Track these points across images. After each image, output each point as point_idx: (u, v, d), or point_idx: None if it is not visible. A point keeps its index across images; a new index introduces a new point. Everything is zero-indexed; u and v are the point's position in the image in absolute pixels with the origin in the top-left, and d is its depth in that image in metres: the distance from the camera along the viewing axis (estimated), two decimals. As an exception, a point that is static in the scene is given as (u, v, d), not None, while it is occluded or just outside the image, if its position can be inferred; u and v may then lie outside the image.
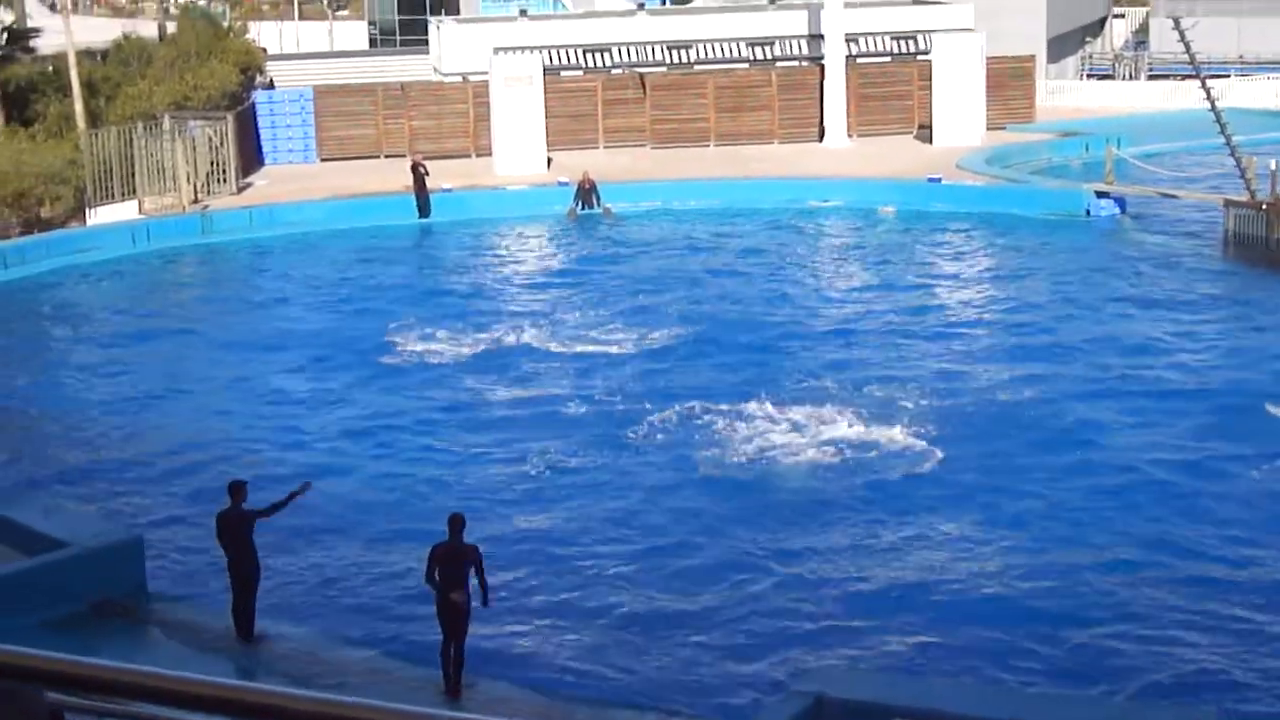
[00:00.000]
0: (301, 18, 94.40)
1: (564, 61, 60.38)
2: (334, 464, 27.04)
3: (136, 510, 25.11)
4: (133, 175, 47.83)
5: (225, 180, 50.17)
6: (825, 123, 57.98)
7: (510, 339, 34.62)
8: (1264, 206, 42.20)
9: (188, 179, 48.46)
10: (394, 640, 20.31)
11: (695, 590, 21.55)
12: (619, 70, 60.58)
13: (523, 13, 66.10)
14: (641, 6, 67.69)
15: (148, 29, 68.55)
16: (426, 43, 69.12)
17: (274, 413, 30.36)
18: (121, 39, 60.20)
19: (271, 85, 62.64)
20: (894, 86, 60.19)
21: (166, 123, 48.64)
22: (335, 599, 21.69)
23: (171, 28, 65.64)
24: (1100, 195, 47.71)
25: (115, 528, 22.86)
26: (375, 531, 23.88)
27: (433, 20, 69.47)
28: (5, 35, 55.03)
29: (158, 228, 46.78)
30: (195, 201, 48.46)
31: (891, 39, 62.74)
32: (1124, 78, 78.39)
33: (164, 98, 51.94)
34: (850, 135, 58.10)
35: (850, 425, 27.49)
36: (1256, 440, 26.93)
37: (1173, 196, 46.84)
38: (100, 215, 47.28)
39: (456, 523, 18.28)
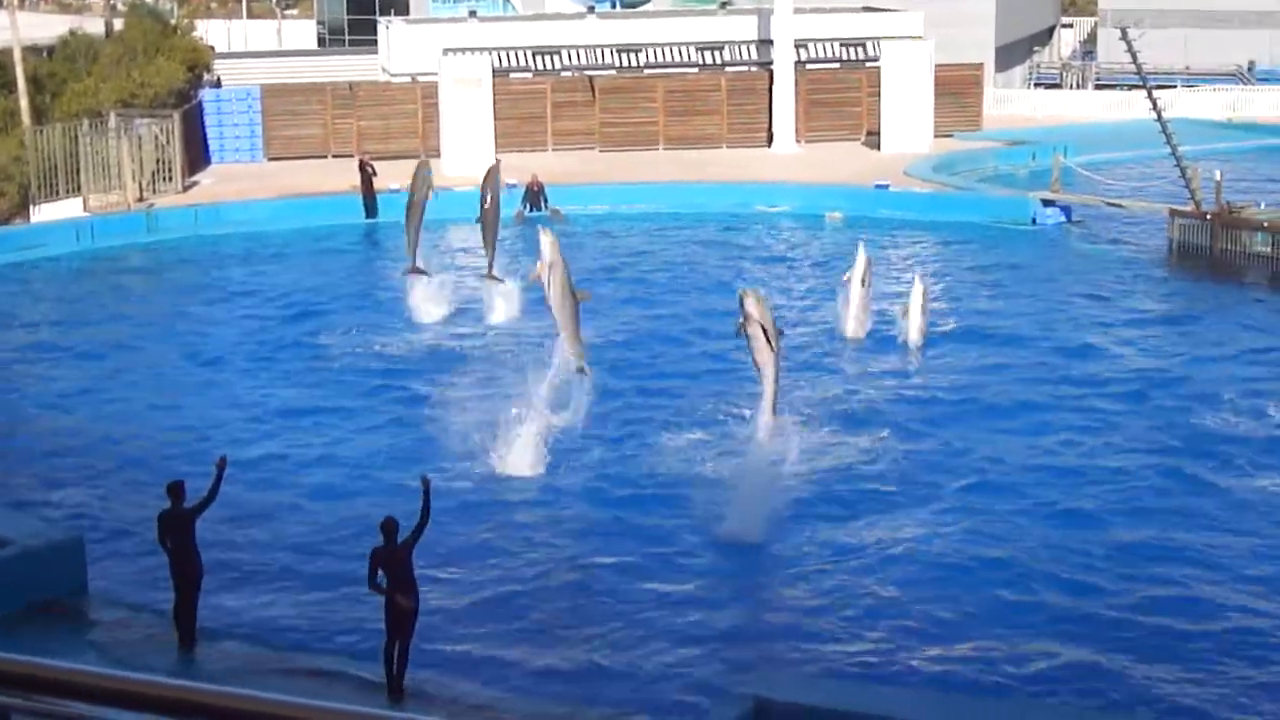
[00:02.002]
0: (250, 16, 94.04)
1: (513, 63, 60.31)
2: (274, 464, 26.96)
3: (78, 510, 24.94)
4: (78, 172, 47.60)
5: (171, 178, 49.95)
6: (774, 128, 58.07)
7: (453, 341, 34.55)
8: (1208, 216, 42.48)
9: (133, 177, 48.22)
10: (337, 639, 20.24)
11: (633, 594, 21.55)
12: (568, 73, 60.55)
13: (472, 14, 65.99)
14: (591, 9, 67.69)
15: (94, 25, 68.06)
16: (375, 43, 68.93)
17: (214, 412, 30.20)
18: (68, 35, 59.78)
19: (219, 84, 62.36)
20: (843, 93, 60.33)
21: (112, 120, 48.40)
22: (278, 598, 21.60)
23: (119, 24, 65.27)
24: (1046, 204, 47.94)
25: (56, 527, 22.71)
26: (315, 532, 23.79)
27: (382, 20, 69.26)
28: (-50, 30, 54.59)
29: (102, 225, 46.52)
30: (140, 199, 48.24)
31: (841, 45, 62.86)
32: (1071, 87, 78.71)
33: (110, 95, 51.66)
34: (799, 141, 58.21)
35: (795, 432, 27.48)
36: (1199, 445, 27.17)
37: (1118, 206, 47.09)
38: (45, 212, 47.01)
39: (389, 528, 18.24)
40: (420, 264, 36.48)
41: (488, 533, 23.86)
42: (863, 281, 34.07)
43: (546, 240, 26.02)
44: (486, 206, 34.93)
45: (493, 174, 36.08)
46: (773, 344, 23.72)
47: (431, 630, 19.52)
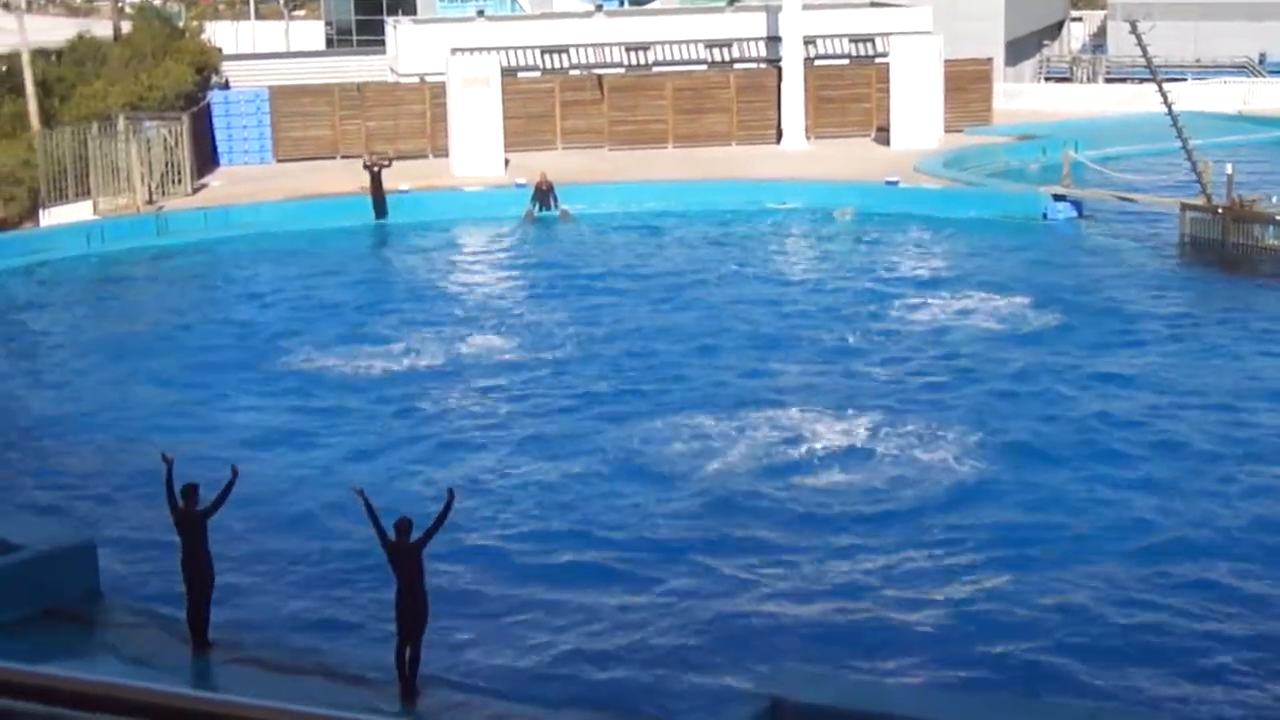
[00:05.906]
0: (258, 17, 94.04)
1: (521, 62, 60.26)
2: (280, 471, 26.86)
3: (88, 514, 24.92)
4: (87, 176, 47.59)
5: (180, 181, 49.91)
6: (783, 125, 57.98)
7: (465, 345, 34.36)
8: (1219, 210, 42.36)
9: (142, 180, 48.21)
10: (350, 642, 20.21)
11: (650, 594, 21.49)
12: (577, 71, 60.50)
13: (480, 13, 65.95)
14: (599, 8, 67.66)
15: (103, 28, 68.07)
16: (383, 43, 68.89)
17: (220, 418, 30.10)
18: (76, 38, 59.82)
19: (227, 85, 62.36)
20: (852, 89, 60.20)
21: (121, 123, 48.37)
22: (290, 602, 21.57)
23: (127, 27, 65.30)
24: (1057, 198, 47.80)
25: (68, 531, 22.69)
26: (327, 537, 23.71)
27: (389, 20, 69.25)
28: (-42, 34, 54.62)
29: (112, 229, 46.50)
30: (150, 202, 48.21)
31: (850, 41, 62.80)
32: (1081, 81, 78.59)
33: (119, 98, 51.63)
34: (808, 137, 58.10)
35: (817, 431, 27.39)
36: (1217, 444, 27.10)
37: (1129, 200, 46.96)
38: (54, 216, 47.01)
39: (402, 527, 18.37)
40: None
41: (503, 533, 23.82)
42: None
43: None
44: None
45: None
46: None
47: (443, 631, 19.48)
